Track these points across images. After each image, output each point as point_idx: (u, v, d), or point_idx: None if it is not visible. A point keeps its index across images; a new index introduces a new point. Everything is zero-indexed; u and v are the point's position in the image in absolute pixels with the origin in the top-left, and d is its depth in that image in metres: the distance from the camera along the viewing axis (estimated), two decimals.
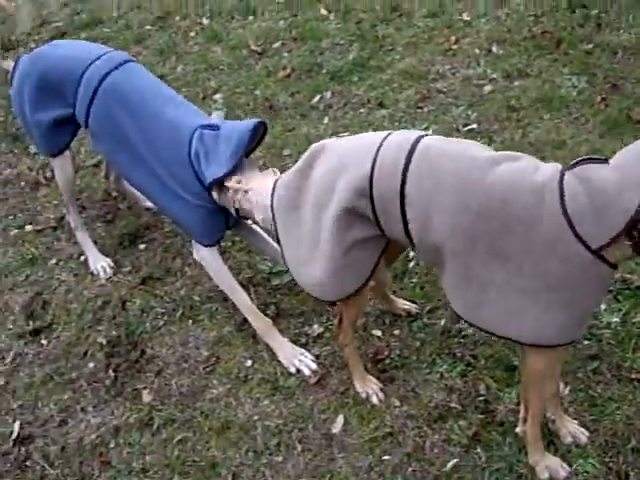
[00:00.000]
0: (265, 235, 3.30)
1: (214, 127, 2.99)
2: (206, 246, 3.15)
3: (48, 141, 3.45)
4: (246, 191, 2.87)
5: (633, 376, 2.80)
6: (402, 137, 2.35)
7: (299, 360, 3.05)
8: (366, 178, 2.29)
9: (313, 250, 2.48)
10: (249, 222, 3.22)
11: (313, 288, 2.58)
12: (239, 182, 2.89)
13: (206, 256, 3.17)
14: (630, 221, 1.94)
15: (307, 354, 3.08)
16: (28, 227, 4.09)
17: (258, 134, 3.00)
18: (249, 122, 2.97)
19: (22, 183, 4.45)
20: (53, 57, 3.34)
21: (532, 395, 2.43)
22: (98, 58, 3.23)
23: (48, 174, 4.41)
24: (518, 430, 2.62)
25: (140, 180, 3.20)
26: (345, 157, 2.40)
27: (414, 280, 3.32)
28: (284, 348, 3.09)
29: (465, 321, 2.36)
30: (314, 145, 2.54)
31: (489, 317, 2.25)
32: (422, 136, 2.32)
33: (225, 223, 3.15)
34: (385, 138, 2.35)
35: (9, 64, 3.58)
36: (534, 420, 2.47)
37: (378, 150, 2.31)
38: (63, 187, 3.62)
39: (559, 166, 2.16)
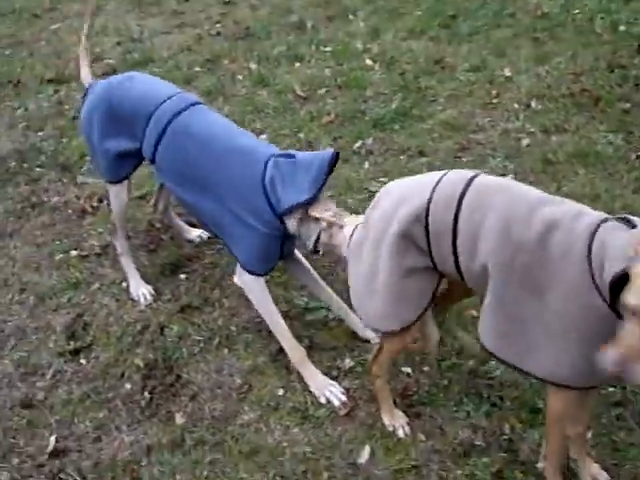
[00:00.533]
0: (312, 270, 3.44)
1: (290, 156, 3.12)
2: (256, 275, 3.24)
3: (112, 168, 3.59)
4: (341, 226, 2.97)
5: None
6: (459, 174, 2.51)
7: (329, 391, 3.14)
8: (423, 207, 2.45)
9: (372, 282, 2.61)
10: (299, 256, 3.38)
11: (378, 321, 2.69)
12: (333, 215, 2.99)
13: (250, 282, 3.27)
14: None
15: (337, 386, 3.17)
16: (73, 252, 4.21)
17: (334, 164, 3.10)
18: (327, 152, 3.09)
19: (69, 211, 4.60)
20: (127, 90, 3.50)
21: (551, 433, 2.50)
22: (169, 98, 3.39)
23: (95, 203, 4.57)
24: (539, 465, 2.69)
25: (205, 208, 3.30)
26: (405, 192, 2.57)
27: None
28: (316, 378, 3.18)
29: (488, 351, 2.45)
30: (382, 188, 2.72)
31: (511, 348, 2.34)
32: (478, 174, 2.48)
33: (280, 253, 3.25)
34: (444, 175, 2.52)
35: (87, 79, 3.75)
36: (552, 457, 2.54)
37: (437, 184, 2.47)
38: (116, 212, 3.76)
39: (602, 215, 2.25)
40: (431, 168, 4.43)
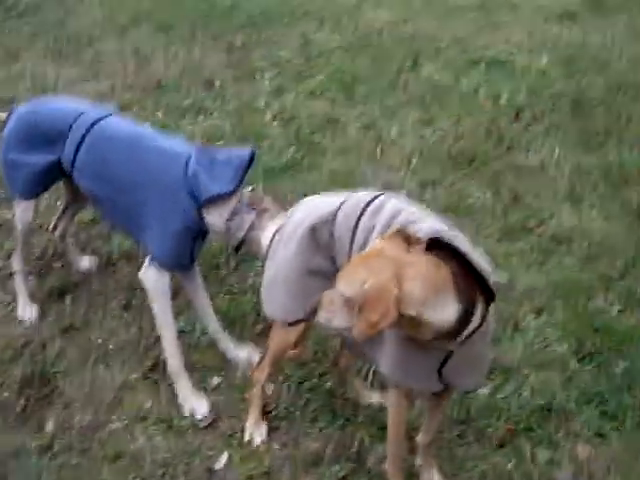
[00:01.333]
0: (203, 288, 3.68)
1: (209, 152, 3.39)
2: (164, 269, 3.41)
3: (28, 183, 3.75)
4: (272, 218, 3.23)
5: (493, 441, 3.13)
6: (370, 193, 2.82)
7: (196, 404, 3.35)
8: (332, 213, 2.77)
9: (278, 274, 2.89)
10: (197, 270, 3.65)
11: (276, 309, 2.96)
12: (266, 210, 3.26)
13: (154, 277, 3.42)
14: None
15: (204, 400, 3.37)
16: None
17: (252, 160, 3.34)
18: (245, 149, 3.38)
19: None
20: (46, 108, 3.76)
21: (389, 434, 2.76)
22: (86, 110, 3.65)
23: None
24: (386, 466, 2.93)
25: (121, 207, 3.50)
26: (318, 202, 2.96)
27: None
28: (186, 391, 3.40)
29: None
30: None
31: None
32: (382, 194, 2.79)
33: (191, 252, 3.46)
34: (356, 192, 2.87)
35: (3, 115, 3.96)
36: (390, 458, 2.79)
37: (348, 198, 2.82)
38: (20, 229, 3.91)
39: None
40: None
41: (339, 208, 2.78)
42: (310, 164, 5.34)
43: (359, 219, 2.70)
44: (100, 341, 3.80)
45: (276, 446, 3.17)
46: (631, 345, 3.65)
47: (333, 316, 2.37)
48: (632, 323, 3.78)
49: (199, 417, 3.33)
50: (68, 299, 4.12)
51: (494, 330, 2.73)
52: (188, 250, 3.44)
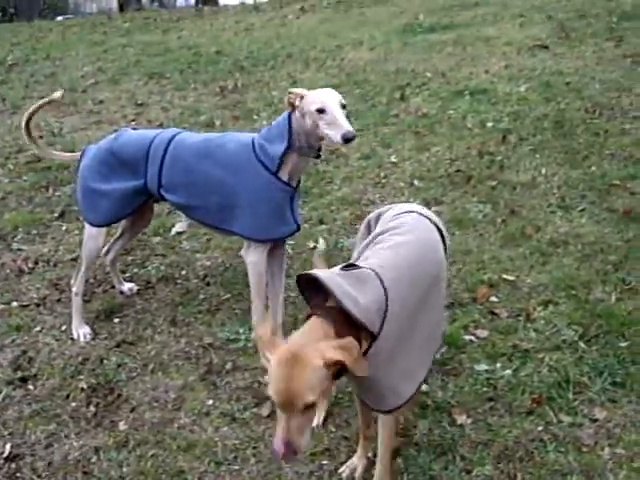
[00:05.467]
0: (283, 275, 4.14)
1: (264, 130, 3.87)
2: (259, 246, 3.86)
3: (111, 210, 4.10)
4: None
5: (520, 410, 3.56)
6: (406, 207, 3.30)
7: None
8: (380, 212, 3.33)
9: None
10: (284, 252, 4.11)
11: None
12: None
13: (251, 256, 3.90)
14: None
15: None
16: (14, 304, 4.70)
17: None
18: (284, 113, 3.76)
19: (7, 271, 5.10)
20: (122, 138, 4.12)
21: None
22: (158, 134, 4.06)
23: (30, 264, 5.09)
24: None
25: (212, 205, 3.92)
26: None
27: None
28: None
29: None
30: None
31: None
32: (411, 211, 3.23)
33: (292, 216, 3.90)
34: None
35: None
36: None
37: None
38: (87, 255, 4.25)
39: None
40: (330, 233, 5.18)
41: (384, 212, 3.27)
42: (320, 191, 5.80)
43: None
44: (154, 353, 4.16)
45: (332, 428, 3.55)
46: (631, 327, 4.09)
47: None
48: (630, 308, 4.24)
49: None
50: (116, 319, 4.50)
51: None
52: (283, 215, 3.86)
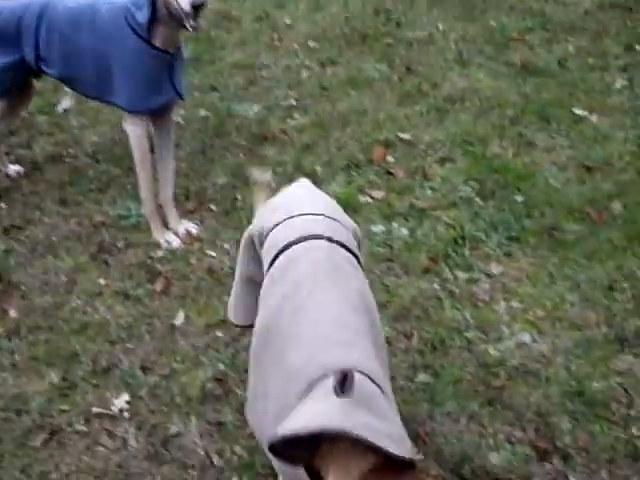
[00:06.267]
0: (171, 149, 3.94)
1: None
2: (137, 116, 3.67)
3: None
4: None
5: (417, 269, 3.55)
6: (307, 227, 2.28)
7: (168, 238, 3.85)
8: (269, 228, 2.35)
9: None
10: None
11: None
12: None
13: (130, 127, 3.71)
14: None
15: (174, 236, 3.87)
16: None
17: None
18: None
19: None
20: None
21: None
22: (29, 3, 3.72)
23: None
24: None
25: (88, 74, 3.69)
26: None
27: None
28: (159, 229, 3.87)
29: None
30: None
31: None
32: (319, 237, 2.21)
33: (162, 89, 3.64)
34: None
35: None
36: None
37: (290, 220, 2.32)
38: None
39: None
40: (222, 100, 5.00)
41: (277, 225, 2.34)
42: (211, 57, 5.57)
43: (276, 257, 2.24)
44: (43, 236, 4.00)
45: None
46: (526, 182, 4.10)
47: None
48: (526, 162, 4.23)
49: (175, 246, 3.83)
50: (2, 204, 4.28)
51: None
52: (160, 83, 3.63)
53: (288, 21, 5.98)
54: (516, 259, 3.62)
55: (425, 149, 4.40)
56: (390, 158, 4.35)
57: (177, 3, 3.27)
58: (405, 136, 4.51)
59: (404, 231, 3.79)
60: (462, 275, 3.54)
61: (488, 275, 3.54)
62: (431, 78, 5.08)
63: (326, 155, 4.40)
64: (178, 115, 4.63)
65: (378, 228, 3.82)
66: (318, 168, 4.29)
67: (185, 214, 4.02)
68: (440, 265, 3.60)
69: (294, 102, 4.89)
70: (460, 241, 3.72)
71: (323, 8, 6.13)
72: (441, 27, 5.69)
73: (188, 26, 3.31)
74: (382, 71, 5.18)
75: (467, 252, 3.65)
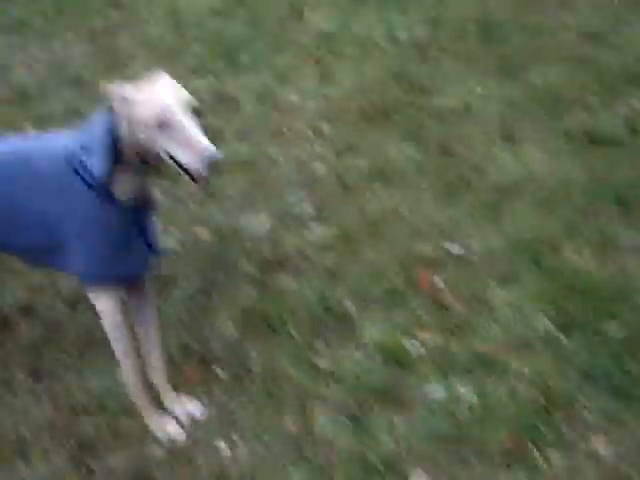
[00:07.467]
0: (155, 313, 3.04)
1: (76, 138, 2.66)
2: (100, 284, 2.76)
3: None
4: None
5: (497, 457, 2.65)
6: None
7: (169, 429, 3.03)
8: None
9: None
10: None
11: None
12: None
13: (104, 307, 2.79)
14: None
15: (173, 422, 3.05)
16: None
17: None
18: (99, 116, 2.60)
19: None
20: None
21: None
22: None
23: None
24: None
25: (38, 247, 2.83)
26: None
27: None
28: (154, 419, 3.03)
29: None
30: None
31: None
32: None
33: (132, 249, 2.75)
34: None
35: None
36: None
37: None
38: None
39: None
40: (224, 212, 4.13)
41: None
42: None
43: None
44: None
45: None
46: (620, 302, 3.19)
47: None
48: (613, 273, 3.34)
49: (176, 437, 3.00)
50: None
51: None
52: (128, 243, 2.74)
53: (294, 98, 5.10)
54: (624, 425, 2.70)
55: (480, 264, 3.51)
56: (437, 280, 3.46)
57: (186, 165, 2.38)
58: (453, 248, 3.62)
59: (469, 393, 2.88)
60: (557, 459, 2.62)
61: (590, 457, 2.62)
62: (473, 160, 4.19)
63: (356, 283, 3.52)
64: (174, 240, 3.81)
65: (437, 391, 2.92)
66: (348, 303, 3.40)
67: (185, 386, 3.14)
68: (525, 445, 2.68)
69: (311, 209, 4.01)
70: (548, 405, 2.80)
71: (333, 78, 5.26)
72: (477, 90, 4.79)
73: (197, 186, 2.50)
74: (412, 156, 4.27)
75: (560, 421, 2.74)
